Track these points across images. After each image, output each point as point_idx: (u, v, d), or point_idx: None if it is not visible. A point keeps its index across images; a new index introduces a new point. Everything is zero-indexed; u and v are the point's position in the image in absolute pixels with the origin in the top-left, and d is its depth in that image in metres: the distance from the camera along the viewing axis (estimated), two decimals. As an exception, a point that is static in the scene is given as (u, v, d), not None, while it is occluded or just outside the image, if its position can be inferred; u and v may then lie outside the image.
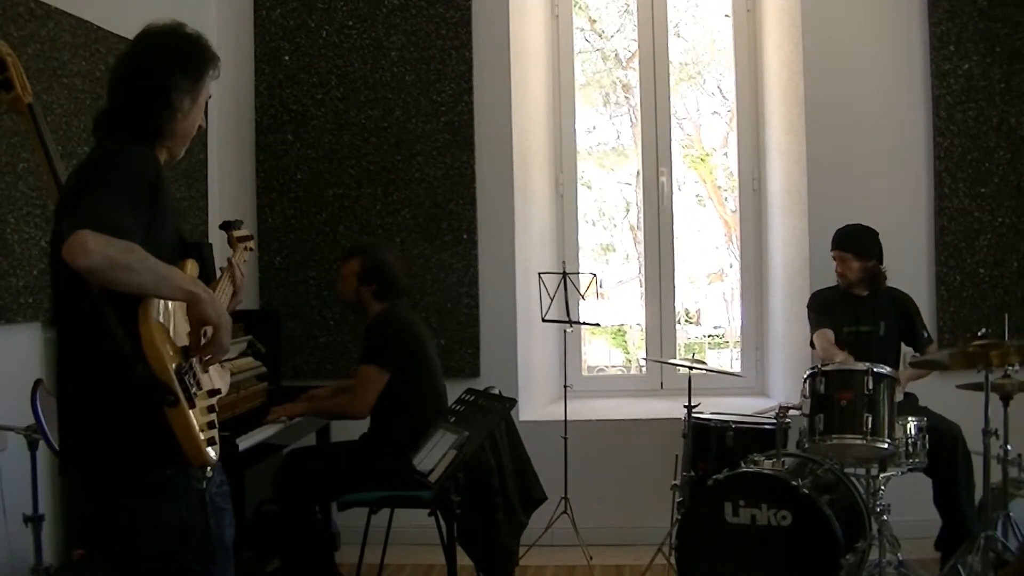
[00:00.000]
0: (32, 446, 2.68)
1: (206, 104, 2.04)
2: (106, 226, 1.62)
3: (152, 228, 1.77)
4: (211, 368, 1.92)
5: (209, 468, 1.82)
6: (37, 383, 2.69)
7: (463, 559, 3.38)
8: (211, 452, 1.78)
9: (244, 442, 3.11)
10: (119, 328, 1.71)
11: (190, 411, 1.73)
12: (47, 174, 2.48)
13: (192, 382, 1.78)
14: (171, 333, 1.77)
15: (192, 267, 1.96)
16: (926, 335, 3.94)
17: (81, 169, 1.84)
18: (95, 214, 1.64)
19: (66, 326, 1.90)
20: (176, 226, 1.93)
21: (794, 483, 3.13)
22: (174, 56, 1.92)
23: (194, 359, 1.81)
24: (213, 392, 1.87)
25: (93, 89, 3.34)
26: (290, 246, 4.54)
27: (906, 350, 3.94)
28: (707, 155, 5.72)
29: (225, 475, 1.99)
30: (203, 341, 1.79)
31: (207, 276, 2.00)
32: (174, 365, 1.72)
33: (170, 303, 1.79)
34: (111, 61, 3.41)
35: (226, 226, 2.42)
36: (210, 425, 1.81)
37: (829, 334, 3.87)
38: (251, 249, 2.43)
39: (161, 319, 1.74)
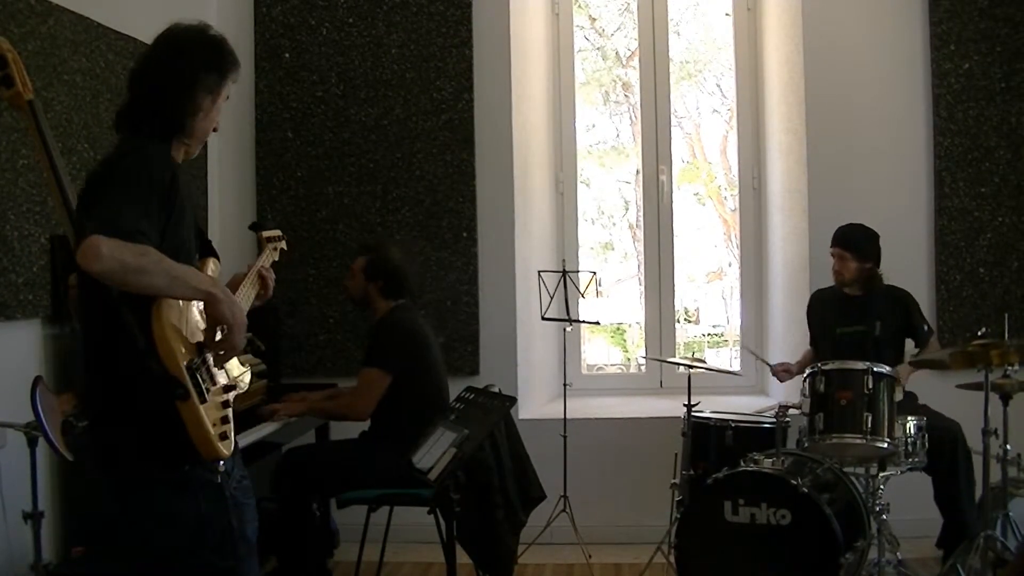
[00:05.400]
0: (32, 443, 2.68)
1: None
2: (119, 231, 1.64)
3: (168, 229, 1.78)
4: (229, 364, 1.95)
5: (222, 463, 1.84)
6: (37, 380, 2.68)
7: (462, 557, 3.37)
8: (223, 446, 1.80)
9: (243, 439, 3.11)
10: (135, 325, 1.74)
11: (200, 405, 1.75)
12: (47, 171, 2.49)
13: (205, 377, 1.80)
14: (185, 330, 1.80)
15: (214, 265, 2.01)
16: (926, 328, 3.90)
17: (99, 169, 1.85)
18: (108, 219, 1.66)
19: (90, 325, 1.91)
20: (195, 224, 1.96)
21: (793, 482, 3.13)
22: (203, 54, 1.95)
23: (208, 355, 1.83)
24: (228, 387, 1.90)
25: (93, 86, 3.34)
26: (290, 244, 4.51)
27: (909, 348, 3.94)
28: (709, 167, 5.72)
29: (247, 470, 2.00)
30: (218, 338, 1.82)
31: None
32: (186, 361, 1.75)
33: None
34: (111, 58, 3.44)
35: (255, 227, 2.50)
36: (223, 420, 1.84)
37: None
38: (283, 248, 2.50)
39: (175, 316, 1.76)
